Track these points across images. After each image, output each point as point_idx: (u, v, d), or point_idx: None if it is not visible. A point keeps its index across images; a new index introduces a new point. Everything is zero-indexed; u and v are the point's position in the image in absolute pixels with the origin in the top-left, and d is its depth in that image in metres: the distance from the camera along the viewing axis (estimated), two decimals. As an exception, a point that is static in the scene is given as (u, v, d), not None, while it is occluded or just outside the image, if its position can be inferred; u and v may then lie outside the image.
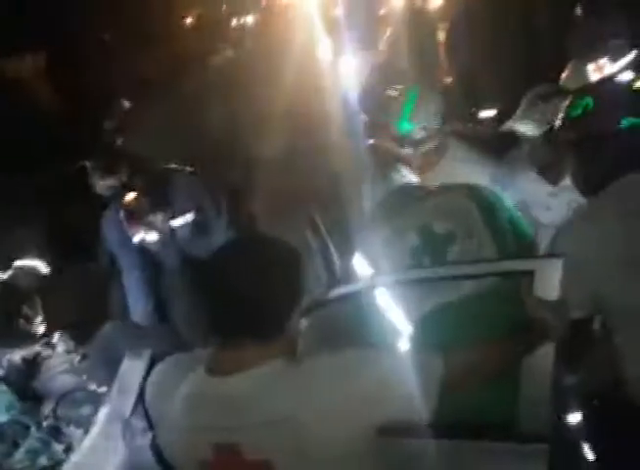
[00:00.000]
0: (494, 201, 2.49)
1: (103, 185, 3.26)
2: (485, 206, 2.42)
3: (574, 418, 2.26)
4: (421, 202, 2.46)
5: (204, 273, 1.70)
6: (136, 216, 3.24)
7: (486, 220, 2.37)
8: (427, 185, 2.65)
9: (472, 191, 2.49)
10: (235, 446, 1.62)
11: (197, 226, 3.30)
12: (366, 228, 2.57)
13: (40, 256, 3.65)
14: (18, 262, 3.64)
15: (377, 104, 3.22)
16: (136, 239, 3.27)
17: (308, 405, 1.60)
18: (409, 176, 2.66)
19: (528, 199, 3.11)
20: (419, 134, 3.15)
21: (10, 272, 3.64)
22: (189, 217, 3.29)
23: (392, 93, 3.20)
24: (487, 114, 5.17)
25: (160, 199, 3.26)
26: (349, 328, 2.36)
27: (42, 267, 3.65)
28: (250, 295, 1.63)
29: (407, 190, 2.59)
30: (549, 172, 3.05)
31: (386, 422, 1.67)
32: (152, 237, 3.29)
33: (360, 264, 2.44)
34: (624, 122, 2.13)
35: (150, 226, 3.26)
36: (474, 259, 2.25)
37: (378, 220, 2.55)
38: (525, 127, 3.02)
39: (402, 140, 3.20)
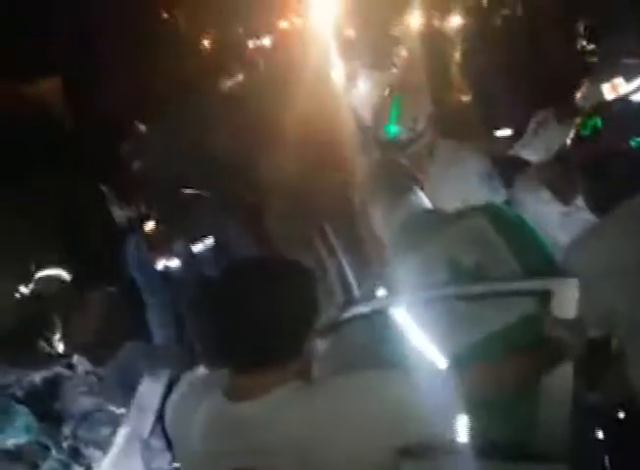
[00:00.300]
0: (515, 222, 2.43)
1: (121, 215, 3.29)
2: (506, 229, 2.35)
3: (594, 437, 2.26)
4: (444, 231, 2.39)
5: (217, 296, 1.68)
6: (157, 245, 3.27)
7: (512, 246, 2.30)
8: (443, 209, 2.61)
9: (491, 215, 2.41)
10: None
11: (217, 250, 3.31)
12: (390, 256, 2.52)
13: (62, 264, 3.68)
14: (40, 273, 3.67)
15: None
16: (159, 266, 3.30)
17: (326, 429, 1.59)
18: (424, 198, 2.64)
19: (542, 220, 3.11)
20: (406, 136, 3.27)
21: (32, 285, 3.67)
22: (208, 242, 3.31)
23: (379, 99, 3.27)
24: (503, 133, 5.19)
25: (179, 225, 3.28)
26: (368, 348, 2.35)
27: (65, 275, 3.68)
28: (263, 317, 1.62)
29: (427, 216, 2.52)
30: (561, 192, 3.05)
31: (405, 444, 1.66)
32: (173, 263, 3.31)
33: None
34: (634, 142, 2.14)
35: (171, 253, 3.29)
36: (490, 279, 2.24)
37: (402, 249, 2.47)
38: (527, 153, 3.03)
39: (390, 144, 3.31)
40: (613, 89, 3.06)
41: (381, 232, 2.60)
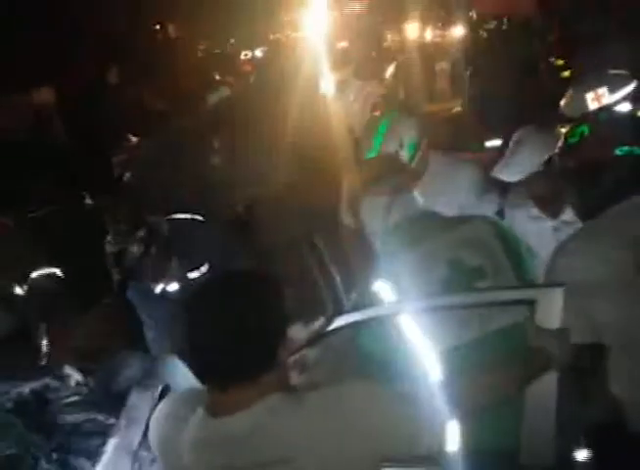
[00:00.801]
0: (511, 235, 2.48)
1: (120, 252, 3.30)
2: (504, 239, 2.40)
3: (580, 449, 2.27)
4: (448, 231, 2.42)
5: (187, 313, 1.68)
6: (157, 272, 3.29)
7: (509, 257, 2.36)
8: (442, 213, 2.61)
9: (491, 223, 2.48)
10: None
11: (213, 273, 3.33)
12: (386, 252, 2.51)
13: (55, 265, 3.70)
14: (34, 274, 3.68)
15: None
16: (157, 290, 3.32)
17: (309, 443, 1.59)
18: (417, 198, 2.61)
19: (532, 237, 3.12)
20: None
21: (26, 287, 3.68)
22: (204, 269, 3.35)
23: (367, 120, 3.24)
24: (493, 144, 5.23)
25: (177, 253, 3.31)
26: (356, 357, 2.36)
27: (59, 273, 3.69)
28: (230, 332, 1.60)
29: (428, 216, 2.52)
30: (549, 205, 3.06)
31: (391, 456, 1.67)
32: (172, 287, 3.34)
33: (383, 290, 2.38)
34: (620, 151, 2.17)
35: (170, 278, 3.32)
36: (474, 289, 2.26)
37: (401, 245, 2.46)
38: (506, 174, 3.04)
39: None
40: (596, 99, 3.10)
41: (372, 232, 2.59)
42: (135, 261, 3.16)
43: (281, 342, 1.66)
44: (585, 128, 2.26)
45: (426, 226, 2.47)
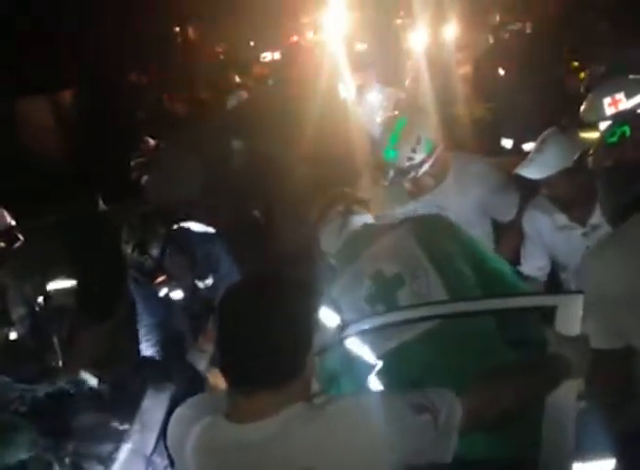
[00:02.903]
0: (442, 233, 2.46)
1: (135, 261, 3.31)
2: (428, 240, 2.39)
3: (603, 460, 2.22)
4: (373, 245, 2.46)
5: (218, 317, 1.68)
6: (163, 281, 3.31)
7: (432, 257, 2.34)
8: (380, 224, 2.65)
9: (417, 225, 2.48)
10: None
11: (219, 286, 3.34)
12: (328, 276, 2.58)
13: (71, 271, 3.72)
14: (51, 282, 3.70)
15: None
16: (161, 293, 3.34)
17: (329, 453, 1.58)
18: (367, 217, 2.65)
19: (564, 247, 3.08)
20: (405, 163, 3.19)
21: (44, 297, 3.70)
22: (209, 281, 3.37)
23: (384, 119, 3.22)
24: (507, 142, 5.20)
25: (187, 262, 3.33)
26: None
27: (75, 280, 3.72)
28: (263, 337, 1.61)
29: (360, 233, 2.57)
30: (576, 211, 3.02)
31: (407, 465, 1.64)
32: (177, 295, 3.35)
33: (326, 314, 2.36)
34: None
35: (175, 286, 3.33)
36: (480, 297, 2.22)
37: (341, 265, 2.55)
38: (531, 172, 3.00)
39: (388, 167, 3.25)
40: (613, 104, 3.08)
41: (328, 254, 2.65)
42: (152, 263, 3.18)
43: (308, 350, 1.66)
44: (627, 129, 2.25)
45: (358, 244, 2.52)
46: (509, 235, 3.32)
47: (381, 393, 1.76)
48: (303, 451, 1.57)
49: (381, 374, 2.27)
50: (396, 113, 3.57)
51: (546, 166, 2.90)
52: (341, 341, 2.19)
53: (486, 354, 2.23)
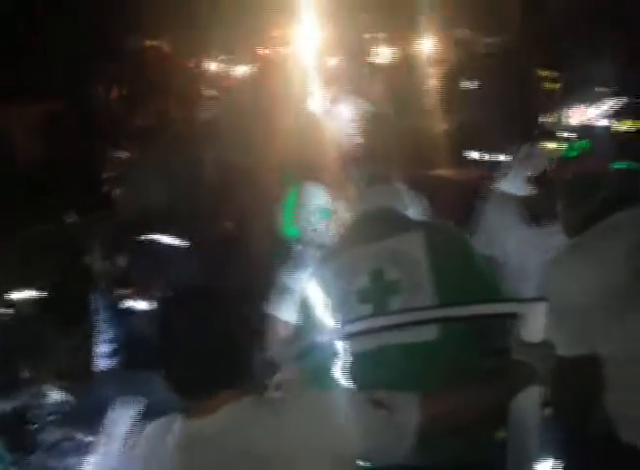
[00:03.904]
0: (453, 248, 2.38)
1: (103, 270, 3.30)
2: (439, 253, 2.33)
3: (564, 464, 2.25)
4: (381, 240, 2.39)
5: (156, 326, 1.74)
6: (130, 293, 3.30)
7: (437, 273, 2.29)
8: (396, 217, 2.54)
9: (431, 233, 2.39)
10: None
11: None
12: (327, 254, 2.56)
13: (37, 285, 3.69)
14: (16, 294, 3.67)
15: None
16: (126, 305, 3.32)
17: (283, 442, 1.63)
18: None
19: (525, 246, 3.12)
20: (313, 236, 2.97)
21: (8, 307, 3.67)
22: (172, 294, 3.35)
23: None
24: (476, 156, 5.26)
25: (154, 274, 3.32)
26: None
27: (40, 293, 3.69)
28: (209, 347, 1.66)
29: (373, 219, 2.49)
30: (542, 214, 3.06)
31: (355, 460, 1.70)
32: (140, 305, 3.34)
33: (314, 292, 2.39)
34: (618, 164, 2.24)
35: (140, 296, 3.32)
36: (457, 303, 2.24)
37: (337, 248, 2.52)
38: (510, 187, 3.04)
39: (296, 244, 3.03)
40: (578, 115, 3.15)
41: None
42: (119, 275, 3.17)
43: (255, 349, 1.76)
44: (586, 142, 2.31)
45: (366, 230, 2.46)
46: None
47: (341, 388, 1.85)
48: (258, 441, 1.63)
49: (354, 373, 2.26)
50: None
51: (527, 181, 2.95)
52: (329, 342, 2.19)
53: (460, 364, 2.24)
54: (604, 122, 3.04)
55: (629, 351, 2.06)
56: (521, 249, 3.04)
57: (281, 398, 1.77)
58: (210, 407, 1.67)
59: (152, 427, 1.83)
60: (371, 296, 2.31)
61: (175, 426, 1.72)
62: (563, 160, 2.37)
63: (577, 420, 2.21)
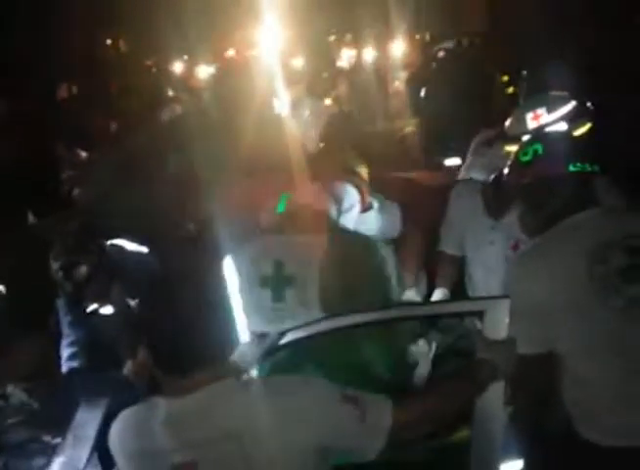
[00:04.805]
0: (354, 260, 2.59)
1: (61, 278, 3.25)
2: (335, 262, 2.54)
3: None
4: (291, 234, 2.67)
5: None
6: (95, 292, 3.27)
7: (325, 279, 2.50)
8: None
9: (337, 242, 2.62)
10: (192, 465, 1.70)
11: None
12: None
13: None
14: None
15: None
16: (89, 309, 3.29)
17: (252, 423, 1.69)
18: None
19: (470, 234, 3.23)
20: None
21: None
22: (138, 299, 3.34)
23: None
24: (452, 162, 5.32)
25: (119, 279, 3.30)
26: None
27: (2, 290, 3.63)
28: (190, 328, 1.74)
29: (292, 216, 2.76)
30: (494, 207, 3.15)
31: (331, 445, 1.74)
32: (106, 310, 3.31)
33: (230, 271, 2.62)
34: (573, 167, 2.25)
35: (106, 301, 3.29)
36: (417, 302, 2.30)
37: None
38: (476, 173, 3.13)
39: None
40: (535, 118, 3.22)
41: None
42: (82, 278, 3.14)
43: (233, 335, 1.82)
44: (539, 147, 2.33)
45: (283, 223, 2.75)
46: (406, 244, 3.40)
47: (315, 377, 1.91)
48: (231, 420, 1.70)
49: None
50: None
51: (491, 167, 3.03)
52: (279, 348, 2.21)
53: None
54: (559, 126, 3.11)
55: (585, 349, 2.10)
56: (483, 240, 3.12)
57: (256, 381, 1.86)
58: (191, 387, 1.73)
59: (133, 409, 1.86)
60: (270, 283, 2.57)
61: (158, 406, 1.76)
62: (517, 165, 2.38)
63: (536, 418, 2.26)
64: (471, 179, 3.33)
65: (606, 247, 2.12)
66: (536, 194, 2.30)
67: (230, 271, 2.63)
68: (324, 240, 2.61)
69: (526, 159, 2.33)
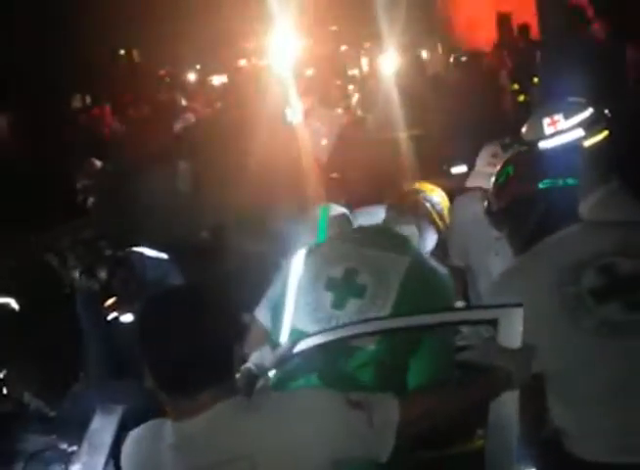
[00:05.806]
0: (425, 287, 2.49)
1: (82, 284, 3.28)
2: (411, 292, 2.44)
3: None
4: (368, 247, 2.56)
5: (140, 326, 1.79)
6: (113, 305, 3.30)
7: (400, 300, 2.41)
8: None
9: (413, 270, 2.50)
10: None
11: None
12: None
13: (11, 293, 3.65)
14: None
15: None
16: (110, 317, 3.32)
17: (263, 442, 1.67)
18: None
19: (474, 245, 3.25)
20: None
21: None
22: None
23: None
24: (459, 170, 5.32)
25: (138, 287, 3.32)
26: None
27: (14, 303, 3.65)
28: (191, 344, 1.70)
29: (366, 230, 2.76)
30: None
31: (345, 458, 1.73)
32: (126, 318, 3.33)
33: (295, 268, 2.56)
34: (542, 183, 2.26)
35: (125, 310, 3.32)
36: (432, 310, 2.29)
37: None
38: (482, 183, 3.14)
39: None
40: (552, 124, 3.21)
41: None
42: (100, 285, 3.17)
43: (234, 354, 1.77)
44: (510, 168, 2.36)
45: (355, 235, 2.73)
46: None
47: (319, 388, 1.92)
48: (241, 440, 1.67)
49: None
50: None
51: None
52: (295, 355, 2.22)
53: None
54: (575, 133, 3.11)
55: (562, 371, 2.08)
56: (488, 251, 3.14)
57: (263, 398, 1.80)
58: (197, 409, 1.71)
59: (141, 430, 1.85)
60: (336, 287, 2.46)
61: (165, 428, 1.75)
62: (495, 187, 2.41)
63: (529, 436, 2.24)
64: (476, 188, 3.34)
65: (579, 266, 2.11)
66: (512, 215, 2.33)
67: (296, 267, 2.56)
68: (406, 263, 2.50)
69: (500, 181, 2.38)
